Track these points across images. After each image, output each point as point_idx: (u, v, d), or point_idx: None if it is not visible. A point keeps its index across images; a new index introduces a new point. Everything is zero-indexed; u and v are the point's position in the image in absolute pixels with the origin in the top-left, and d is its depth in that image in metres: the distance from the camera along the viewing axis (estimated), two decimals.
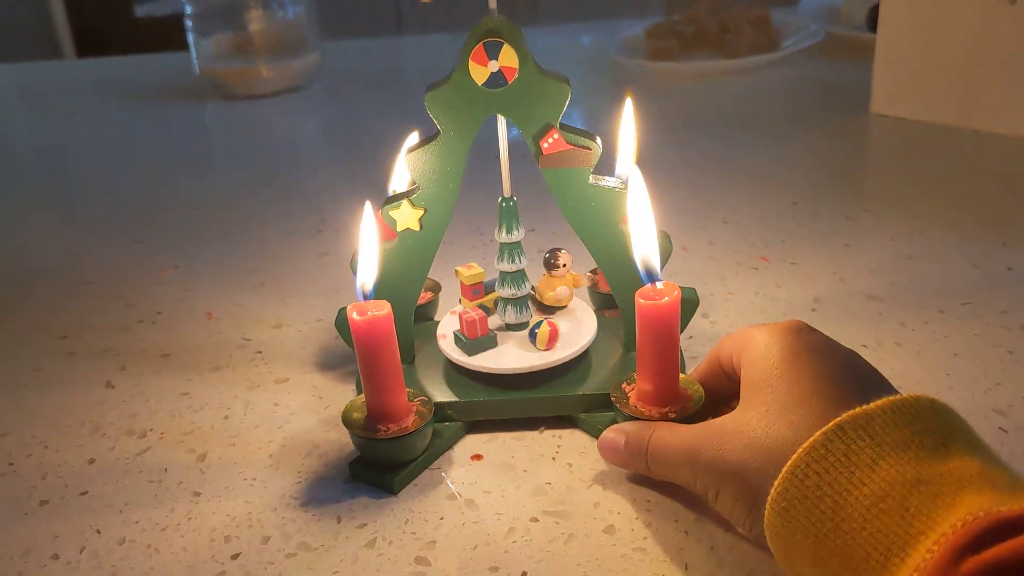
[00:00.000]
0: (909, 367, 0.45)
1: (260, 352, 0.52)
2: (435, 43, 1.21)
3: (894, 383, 0.32)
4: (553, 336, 0.42)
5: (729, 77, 0.91)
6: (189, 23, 0.95)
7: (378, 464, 0.40)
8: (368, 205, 0.39)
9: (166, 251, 0.67)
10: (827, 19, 1.00)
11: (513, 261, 0.43)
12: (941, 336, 0.47)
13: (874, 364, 0.33)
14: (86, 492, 0.41)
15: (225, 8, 0.94)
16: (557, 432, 0.42)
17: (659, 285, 0.38)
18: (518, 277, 0.43)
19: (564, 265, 0.45)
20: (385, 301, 0.38)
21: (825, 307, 0.51)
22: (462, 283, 0.46)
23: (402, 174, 0.46)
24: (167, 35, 1.52)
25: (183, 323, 0.56)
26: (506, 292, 0.43)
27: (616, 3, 1.45)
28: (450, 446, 0.42)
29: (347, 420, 0.40)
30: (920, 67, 0.75)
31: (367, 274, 0.39)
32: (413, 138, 0.45)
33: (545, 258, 0.45)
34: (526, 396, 0.42)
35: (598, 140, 0.40)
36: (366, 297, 0.39)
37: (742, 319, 0.51)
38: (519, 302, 0.43)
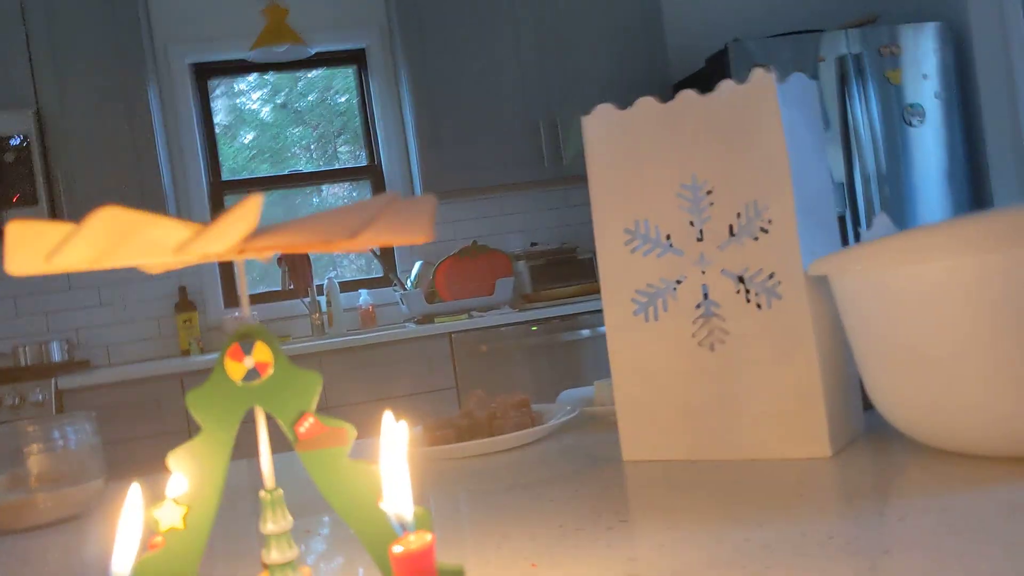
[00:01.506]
0: None
1: None
2: None
3: None
4: None
5: (501, 454, 0.99)
6: None
7: None
8: (134, 486, 0.41)
9: None
10: (583, 405, 1.13)
11: (282, 552, 0.44)
12: None
13: None
14: None
15: (3, 444, 0.95)
16: None
17: (412, 537, 0.41)
18: (287, 569, 0.45)
19: None
20: None
21: None
22: None
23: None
24: None
25: None
26: None
27: None
28: None
29: None
30: (653, 414, 0.87)
31: (121, 562, 0.39)
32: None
33: None
34: None
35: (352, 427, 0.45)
36: None
37: None
38: None
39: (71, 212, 3.42)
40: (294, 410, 0.44)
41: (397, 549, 0.39)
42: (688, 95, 0.84)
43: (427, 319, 3.58)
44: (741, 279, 0.82)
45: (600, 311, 3.56)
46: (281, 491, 0.45)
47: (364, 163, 4.20)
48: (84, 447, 0.98)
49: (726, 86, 0.82)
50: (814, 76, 3.46)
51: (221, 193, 4.00)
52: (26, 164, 3.38)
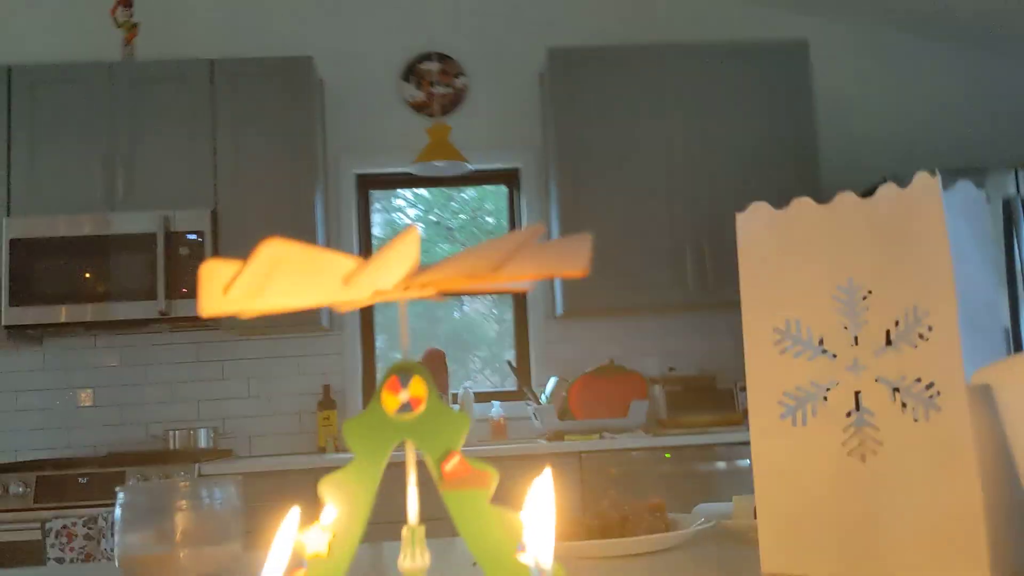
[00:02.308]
0: None
1: None
2: None
3: None
4: None
5: (631, 560, 0.96)
6: (118, 516, 0.99)
7: None
8: (294, 509, 0.43)
9: None
10: (720, 519, 1.09)
11: None
12: None
13: None
14: None
15: (154, 498, 0.99)
16: None
17: None
18: None
19: None
20: None
21: None
22: None
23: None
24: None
25: None
26: None
27: None
28: None
29: None
30: (796, 524, 0.83)
31: (273, 569, 0.40)
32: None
33: None
34: None
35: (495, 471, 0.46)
36: None
37: None
38: None
39: None
40: (442, 447, 0.45)
41: None
42: (848, 197, 0.83)
43: (558, 436, 3.55)
44: (897, 388, 0.79)
45: (738, 443, 3.45)
46: (424, 528, 0.45)
47: None
48: (228, 509, 1.01)
49: (888, 189, 0.81)
50: None
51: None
52: (198, 258, 3.62)
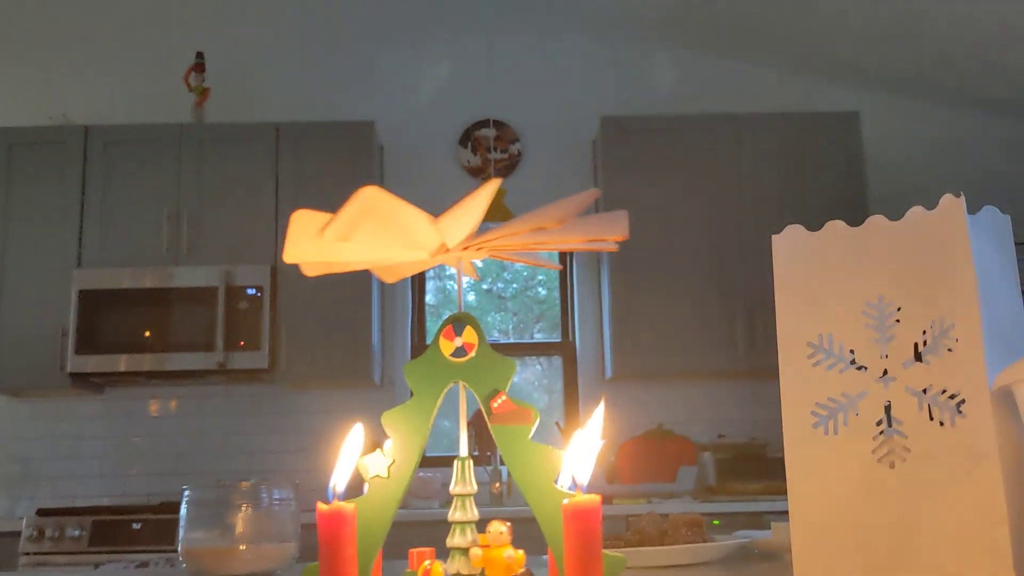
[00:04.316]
0: None
1: None
2: None
3: None
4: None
5: (669, 571, 0.99)
6: (184, 512, 1.06)
7: None
8: (358, 425, 0.49)
9: None
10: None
11: (465, 512, 0.50)
12: None
13: None
14: None
15: (218, 496, 1.05)
16: None
17: (582, 495, 0.45)
18: (467, 528, 0.50)
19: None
20: (351, 503, 0.45)
21: None
22: None
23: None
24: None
25: None
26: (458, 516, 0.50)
27: None
28: None
29: None
30: (828, 530, 0.86)
31: (340, 477, 0.46)
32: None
33: None
34: None
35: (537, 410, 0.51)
36: (336, 497, 0.46)
37: None
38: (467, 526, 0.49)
39: (288, 360, 3.71)
40: (490, 387, 0.50)
41: (565, 501, 0.44)
42: (877, 220, 0.88)
43: (605, 500, 3.54)
44: (924, 396, 0.82)
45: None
46: (471, 460, 0.51)
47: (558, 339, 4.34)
48: (285, 511, 1.07)
49: (915, 211, 0.86)
50: None
51: None
52: (256, 313, 3.74)
